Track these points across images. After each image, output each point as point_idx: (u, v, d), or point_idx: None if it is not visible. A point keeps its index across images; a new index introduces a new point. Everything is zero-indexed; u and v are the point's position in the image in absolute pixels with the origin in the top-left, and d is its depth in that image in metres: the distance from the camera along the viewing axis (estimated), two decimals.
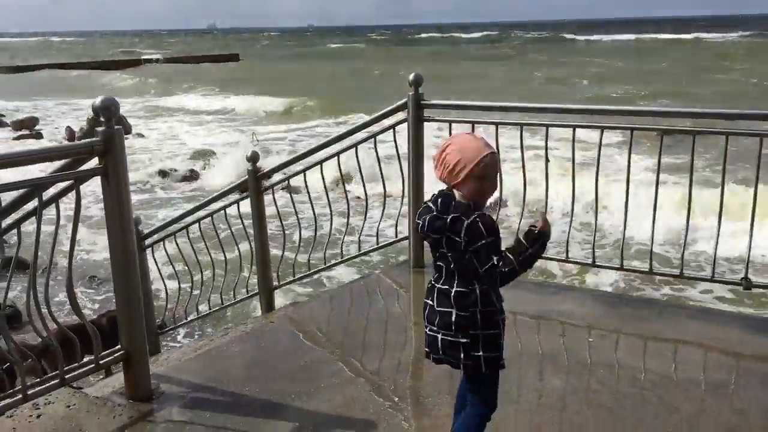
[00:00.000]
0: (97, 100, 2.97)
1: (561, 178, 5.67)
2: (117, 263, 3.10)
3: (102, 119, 2.95)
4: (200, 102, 31.90)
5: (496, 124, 4.59)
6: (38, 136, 22.34)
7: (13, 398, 2.95)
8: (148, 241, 6.37)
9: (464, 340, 2.31)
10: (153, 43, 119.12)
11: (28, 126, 23.75)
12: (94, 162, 3.07)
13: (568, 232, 4.50)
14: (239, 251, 5.91)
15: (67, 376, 3.06)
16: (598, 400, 3.24)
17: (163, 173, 16.53)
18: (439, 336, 2.34)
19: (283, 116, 26.99)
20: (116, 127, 2.98)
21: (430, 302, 2.37)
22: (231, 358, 3.80)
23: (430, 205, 2.34)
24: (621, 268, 4.36)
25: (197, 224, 6.08)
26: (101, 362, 3.18)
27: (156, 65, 56.66)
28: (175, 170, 16.83)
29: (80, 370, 3.14)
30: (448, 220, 2.25)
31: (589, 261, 4.47)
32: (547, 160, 4.42)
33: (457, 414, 2.58)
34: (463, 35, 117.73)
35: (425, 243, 4.92)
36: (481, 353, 2.32)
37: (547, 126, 4.40)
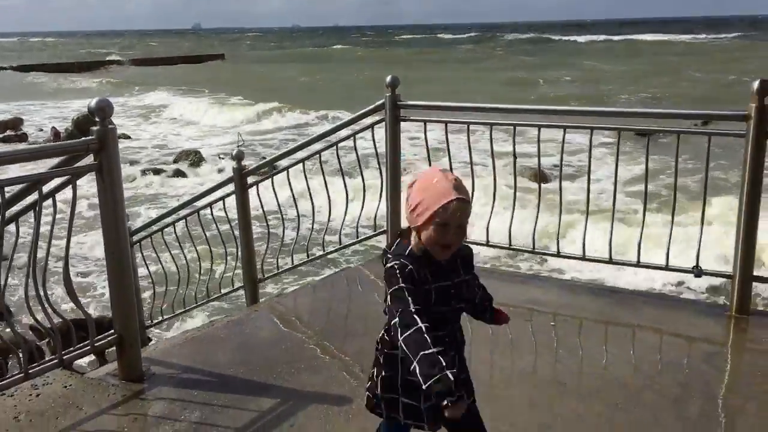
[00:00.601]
0: (93, 102, 3.21)
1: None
2: (110, 253, 3.34)
3: (96, 119, 3.19)
4: (182, 104, 31.98)
5: (468, 124, 4.88)
6: (23, 137, 22.40)
7: (15, 378, 3.19)
8: (135, 237, 6.60)
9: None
10: (134, 43, 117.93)
11: (12, 127, 23.79)
12: (88, 160, 3.31)
13: (534, 227, 4.79)
14: (225, 246, 6.17)
15: (65, 357, 3.30)
16: (557, 377, 3.53)
17: (149, 172, 16.71)
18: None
19: (264, 118, 27.15)
20: (110, 126, 3.22)
21: None
22: (217, 343, 4.05)
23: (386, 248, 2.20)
24: (583, 258, 4.65)
25: (184, 221, 6.34)
26: (96, 345, 3.42)
27: (125, 67, 55.41)
28: (162, 170, 17.01)
29: (77, 352, 3.38)
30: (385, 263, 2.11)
31: (554, 251, 4.76)
32: (515, 157, 4.71)
33: None
34: (447, 36, 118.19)
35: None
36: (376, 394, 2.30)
37: (515, 126, 4.68)
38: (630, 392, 3.33)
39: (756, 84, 3.83)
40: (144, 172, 16.67)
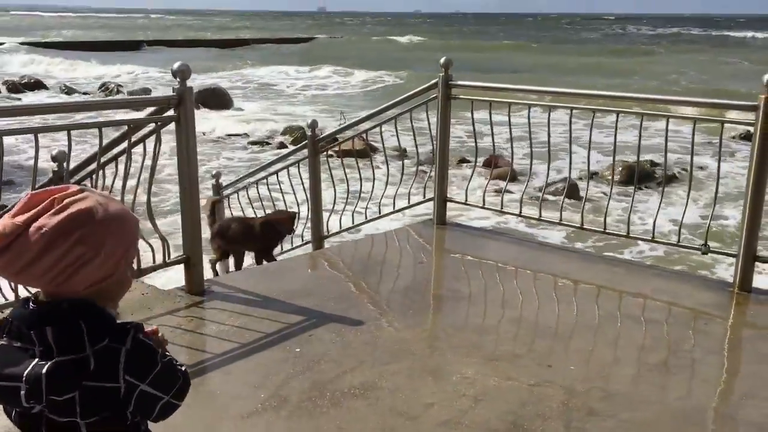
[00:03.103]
0: (175, 65, 4.00)
1: None
2: (183, 188, 4.15)
3: (177, 79, 3.98)
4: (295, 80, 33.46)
5: (509, 104, 5.37)
6: None
7: None
8: (225, 192, 7.57)
9: None
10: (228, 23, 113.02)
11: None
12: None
13: (562, 201, 5.23)
14: (298, 204, 6.98)
15: (142, 269, 4.16)
16: (546, 323, 4.03)
17: (256, 144, 18.19)
18: None
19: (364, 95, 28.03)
20: (188, 85, 4.01)
21: None
22: (267, 276, 4.83)
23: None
24: (604, 232, 5.05)
25: (265, 180, 7.20)
26: (168, 262, 4.26)
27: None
28: (268, 143, 18.44)
29: (152, 265, 4.24)
30: (91, 355, 1.29)
31: (578, 225, 5.18)
32: (549, 136, 5.16)
33: None
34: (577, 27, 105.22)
35: (447, 203, 5.80)
36: None
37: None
38: (607, 341, 3.79)
39: (766, 77, 4.10)
40: (249, 144, 18.06)
